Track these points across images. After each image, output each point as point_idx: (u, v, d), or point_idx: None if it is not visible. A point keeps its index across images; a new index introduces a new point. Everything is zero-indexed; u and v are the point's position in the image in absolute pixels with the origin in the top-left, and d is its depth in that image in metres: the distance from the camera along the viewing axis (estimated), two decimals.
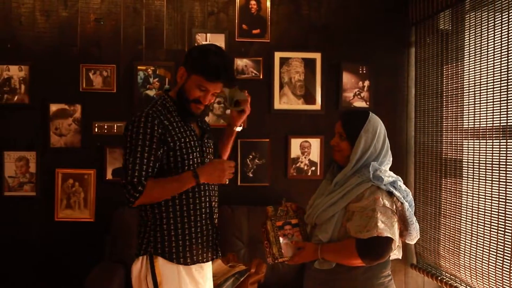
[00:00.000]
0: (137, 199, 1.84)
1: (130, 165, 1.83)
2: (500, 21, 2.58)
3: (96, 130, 3.33)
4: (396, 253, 1.92)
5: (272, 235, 1.92)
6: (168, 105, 1.96)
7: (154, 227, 1.92)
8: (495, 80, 2.62)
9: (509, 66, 2.50)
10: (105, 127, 3.33)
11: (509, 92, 2.50)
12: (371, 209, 1.79)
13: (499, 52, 2.58)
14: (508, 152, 2.48)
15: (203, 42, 3.41)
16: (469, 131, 2.86)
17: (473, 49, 2.83)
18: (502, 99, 2.56)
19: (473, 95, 2.82)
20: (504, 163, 2.50)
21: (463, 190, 2.89)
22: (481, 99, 2.74)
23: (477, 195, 2.73)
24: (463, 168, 2.90)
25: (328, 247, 1.86)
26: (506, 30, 2.52)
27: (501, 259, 2.47)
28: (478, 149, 2.74)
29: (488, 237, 2.60)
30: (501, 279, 2.47)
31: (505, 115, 2.52)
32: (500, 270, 2.47)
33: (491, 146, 2.63)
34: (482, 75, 2.74)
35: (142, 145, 1.84)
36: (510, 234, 2.43)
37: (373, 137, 1.88)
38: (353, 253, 1.78)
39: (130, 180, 1.82)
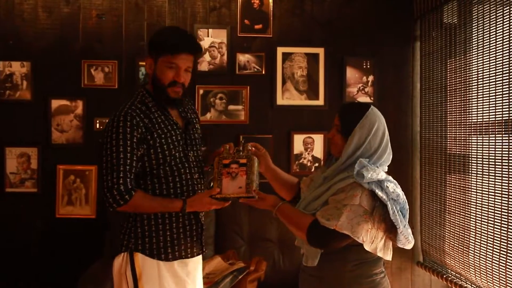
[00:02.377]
0: (120, 206, 1.82)
1: (115, 166, 1.80)
2: (502, 13, 2.51)
3: (97, 126, 3.31)
4: (380, 253, 1.80)
5: (216, 171, 1.95)
6: (147, 101, 1.92)
7: (135, 223, 1.90)
8: (499, 74, 2.55)
9: None
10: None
11: None
12: (344, 204, 1.72)
13: (506, 45, 2.51)
14: None
15: (205, 38, 3.39)
16: (473, 125, 2.79)
17: (479, 42, 2.76)
18: (508, 93, 2.48)
19: (479, 89, 2.75)
20: (509, 158, 2.43)
21: (469, 186, 2.82)
22: (488, 93, 2.66)
23: (482, 191, 2.65)
24: (469, 163, 2.83)
25: (286, 209, 1.86)
26: None
27: (505, 257, 2.39)
28: (484, 144, 2.66)
29: (492, 234, 2.52)
30: (504, 277, 2.39)
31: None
32: (504, 268, 2.40)
33: (497, 141, 2.56)
34: (488, 69, 2.67)
35: (123, 147, 1.81)
36: None
37: (368, 133, 1.78)
38: (303, 228, 1.77)
39: (117, 187, 1.80)
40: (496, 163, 2.53)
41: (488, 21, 2.65)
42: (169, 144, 1.89)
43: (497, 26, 2.57)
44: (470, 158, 2.81)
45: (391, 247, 1.85)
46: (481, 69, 2.72)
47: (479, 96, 2.73)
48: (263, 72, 3.41)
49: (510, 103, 2.46)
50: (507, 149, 2.46)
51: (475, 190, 2.73)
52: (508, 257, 2.39)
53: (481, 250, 2.61)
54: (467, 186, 2.84)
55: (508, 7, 2.49)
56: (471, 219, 2.75)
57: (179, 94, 1.93)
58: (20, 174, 3.27)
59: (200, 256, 2.04)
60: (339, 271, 1.80)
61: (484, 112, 2.68)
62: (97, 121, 3.31)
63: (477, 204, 2.69)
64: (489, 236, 2.56)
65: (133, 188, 1.84)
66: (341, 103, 3.39)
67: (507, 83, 2.49)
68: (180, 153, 1.92)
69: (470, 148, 2.81)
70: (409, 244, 1.82)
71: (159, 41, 1.90)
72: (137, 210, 1.88)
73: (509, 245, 2.39)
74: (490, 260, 2.53)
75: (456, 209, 2.93)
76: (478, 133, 2.74)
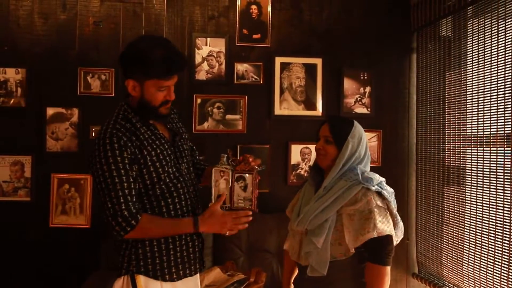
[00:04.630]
0: (128, 233, 1.70)
1: (113, 192, 1.69)
2: (503, 27, 2.55)
3: (93, 135, 3.26)
4: None
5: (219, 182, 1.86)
6: (130, 116, 1.80)
7: (136, 244, 1.79)
8: (498, 87, 2.58)
9: None
10: None
11: None
12: (368, 210, 1.83)
13: (502, 59, 2.55)
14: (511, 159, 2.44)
15: (204, 47, 3.37)
16: (472, 138, 2.82)
17: (475, 55, 2.80)
18: (505, 106, 2.52)
19: (475, 102, 2.79)
20: (508, 171, 2.46)
21: (465, 198, 2.84)
22: (484, 106, 2.70)
23: (480, 204, 2.68)
24: (466, 176, 2.85)
25: None
26: (509, 36, 2.49)
27: (507, 269, 2.42)
28: (481, 156, 2.69)
29: (493, 246, 2.54)
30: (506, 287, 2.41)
31: (509, 123, 2.48)
32: (506, 280, 2.42)
33: (494, 154, 2.59)
34: (484, 82, 2.70)
35: (117, 170, 1.69)
36: None
37: (359, 143, 1.94)
38: (380, 270, 1.83)
39: (120, 213, 1.68)
40: (497, 176, 2.56)
41: (488, 35, 2.68)
42: (161, 160, 1.79)
43: (491, 39, 2.61)
44: (468, 171, 2.84)
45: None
46: (478, 82, 2.76)
47: (478, 109, 2.76)
48: (261, 82, 3.41)
49: (507, 116, 2.49)
50: (505, 162, 2.49)
51: (474, 202, 2.75)
52: (509, 270, 2.42)
53: (482, 262, 2.63)
54: (464, 198, 2.86)
55: (505, 21, 2.53)
56: (470, 231, 2.77)
57: (169, 110, 1.87)
58: (13, 183, 3.20)
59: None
60: (346, 273, 1.89)
61: (483, 125, 2.71)
62: (93, 129, 3.26)
63: (477, 216, 2.71)
64: (489, 248, 2.58)
65: (138, 212, 1.72)
66: (331, 115, 3.39)
67: (505, 96, 2.52)
68: (172, 168, 1.83)
69: (468, 161, 2.84)
70: (400, 238, 1.98)
71: (147, 67, 1.73)
72: (147, 235, 1.77)
73: (510, 257, 2.41)
74: (492, 272, 2.55)
75: (454, 221, 2.95)
76: (475, 145, 2.77)
